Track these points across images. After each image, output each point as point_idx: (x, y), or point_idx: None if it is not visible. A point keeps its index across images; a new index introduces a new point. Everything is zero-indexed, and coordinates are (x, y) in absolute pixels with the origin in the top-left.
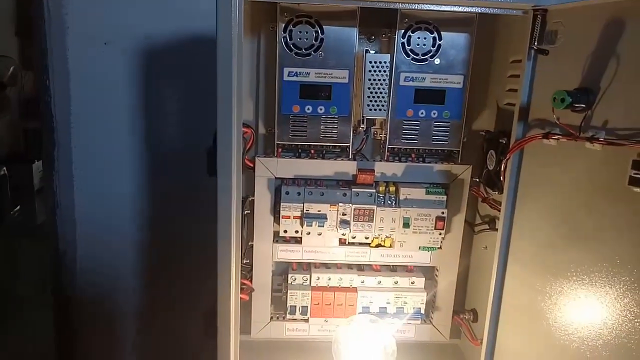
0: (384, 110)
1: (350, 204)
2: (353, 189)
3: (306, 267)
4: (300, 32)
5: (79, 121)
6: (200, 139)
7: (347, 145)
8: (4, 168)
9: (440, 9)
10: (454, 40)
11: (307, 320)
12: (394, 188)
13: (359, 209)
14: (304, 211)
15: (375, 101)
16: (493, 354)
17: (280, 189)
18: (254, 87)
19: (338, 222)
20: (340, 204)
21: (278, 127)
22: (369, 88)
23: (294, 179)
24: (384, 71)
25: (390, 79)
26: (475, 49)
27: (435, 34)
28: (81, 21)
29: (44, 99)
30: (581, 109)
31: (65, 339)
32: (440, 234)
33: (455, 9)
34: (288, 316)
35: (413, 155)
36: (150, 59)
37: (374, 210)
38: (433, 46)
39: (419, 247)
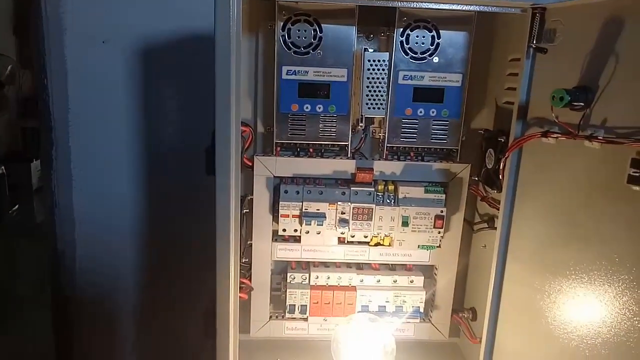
0: (383, 108)
1: (349, 203)
2: (352, 188)
3: (305, 266)
4: (298, 30)
5: (77, 120)
6: (199, 138)
7: (345, 144)
8: (2, 167)
9: (439, 7)
10: (453, 39)
11: (306, 319)
12: (392, 187)
13: (358, 208)
14: (303, 210)
15: (374, 100)
16: (492, 352)
17: (279, 188)
18: (252, 86)
19: (337, 220)
20: (339, 203)
21: (277, 125)
22: (367, 87)
23: (292, 178)
24: (383, 70)
25: (388, 78)
26: (474, 47)
27: (434, 33)
28: (79, 20)
29: (42, 98)
30: (580, 107)
31: (64, 339)
32: (439, 232)
33: (454, 7)
34: (287, 315)
35: (412, 154)
36: (149, 58)
37: (372, 209)
38: (432, 45)
39: (418, 246)
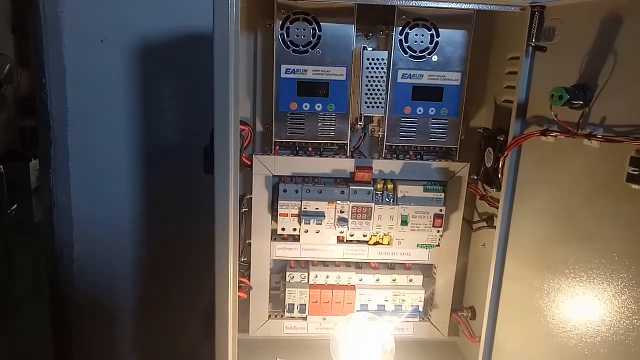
0: (382, 107)
1: (348, 202)
2: (351, 187)
3: (304, 265)
4: (297, 29)
5: (75, 119)
6: (198, 137)
7: (344, 143)
8: (1, 166)
9: (438, 6)
10: (452, 37)
11: (305, 318)
12: (391, 185)
13: (357, 207)
14: (302, 209)
15: (373, 98)
16: (491, 351)
17: (278, 187)
18: (251, 85)
19: (336, 219)
20: (338, 202)
21: (275, 124)
22: (366, 85)
23: (291, 177)
24: (382, 68)
25: (387, 76)
26: (473, 46)
27: (433, 31)
28: (77, 19)
29: (41, 97)
30: (579, 105)
31: (62, 339)
32: (438, 231)
33: (453, 5)
34: (286, 314)
35: (411, 153)
36: (147, 57)
37: (372, 207)
38: (430, 43)
39: (417, 245)
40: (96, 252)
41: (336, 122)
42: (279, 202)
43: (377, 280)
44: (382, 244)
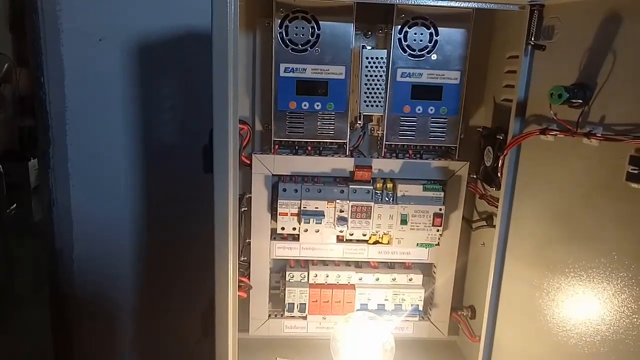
0: (381, 106)
1: (348, 201)
2: (350, 186)
3: (304, 264)
4: (296, 27)
5: (74, 119)
6: (197, 136)
7: (344, 142)
8: (0, 166)
9: (437, 4)
10: (451, 36)
11: (305, 318)
12: (391, 185)
13: (357, 206)
14: (302, 208)
15: (372, 97)
16: (491, 350)
17: (277, 186)
18: (250, 84)
19: (335, 219)
20: (337, 201)
21: (275, 123)
22: (365, 84)
23: (291, 176)
24: (381, 67)
25: (387, 75)
26: (472, 44)
27: (432, 30)
28: (76, 18)
29: (39, 97)
30: (578, 104)
31: (62, 338)
32: (437, 230)
33: (452, 4)
34: (286, 313)
35: (410, 152)
36: (146, 55)
37: (371, 207)
38: (430, 42)
39: (417, 244)
40: (96, 252)
41: (335, 121)
42: (279, 201)
43: (377, 279)
44: (381, 243)
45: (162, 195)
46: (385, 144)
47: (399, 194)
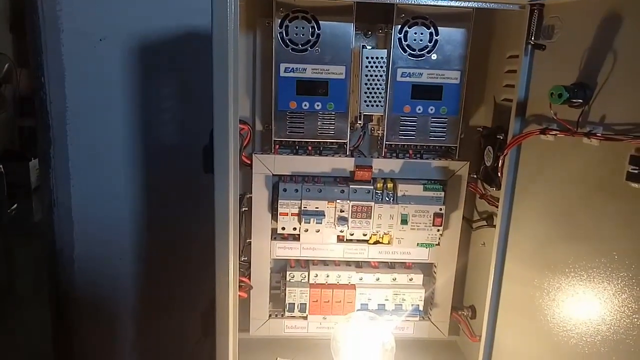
0: (381, 106)
1: (348, 201)
2: (351, 186)
3: (304, 264)
4: (296, 27)
5: (75, 119)
6: (198, 136)
7: (344, 142)
8: (0, 166)
9: (437, 4)
10: (451, 36)
11: (305, 318)
12: (391, 184)
13: (357, 206)
14: (302, 208)
15: (372, 97)
16: (491, 350)
17: (277, 186)
18: (250, 84)
19: (336, 219)
20: (338, 201)
21: (275, 123)
22: (365, 84)
23: (291, 176)
24: (381, 67)
25: (387, 75)
26: (472, 44)
27: (432, 29)
28: (76, 18)
29: (40, 97)
30: (578, 104)
31: (62, 338)
32: (438, 230)
33: (452, 3)
34: (286, 313)
35: (410, 152)
36: (146, 55)
37: (371, 207)
38: (430, 41)
39: (417, 244)
40: (96, 252)
41: (336, 121)
42: (279, 201)
43: (377, 279)
44: (382, 243)
45: (162, 195)
46: (386, 144)
47: (400, 193)
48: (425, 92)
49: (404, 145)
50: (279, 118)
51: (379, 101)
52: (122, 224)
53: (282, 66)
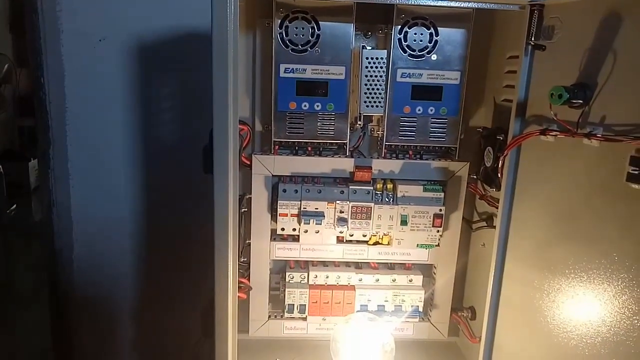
0: (381, 106)
1: (348, 202)
2: (350, 187)
3: (304, 265)
4: (296, 28)
5: (74, 119)
6: (197, 136)
7: (344, 142)
8: (0, 166)
9: (437, 5)
10: (451, 36)
11: (305, 319)
12: (391, 185)
13: (357, 207)
14: (302, 209)
15: (372, 98)
16: (491, 351)
17: (277, 187)
18: (250, 84)
19: (335, 219)
20: (337, 202)
21: (275, 124)
22: (365, 84)
23: (291, 177)
24: (381, 67)
25: (387, 75)
26: (472, 44)
27: (432, 30)
28: (75, 17)
29: (39, 97)
30: (579, 104)
31: (62, 338)
32: (438, 231)
33: (452, 4)
34: (286, 314)
35: (410, 152)
36: (146, 56)
37: (371, 207)
38: (430, 42)
39: (417, 245)
40: (96, 252)
41: (335, 121)
42: (279, 202)
43: (377, 280)
44: (381, 244)
45: (162, 195)
46: (385, 145)
47: (399, 194)
48: (425, 93)
49: (403, 145)
50: (279, 118)
51: (379, 102)
52: (122, 224)
53: (282, 67)
